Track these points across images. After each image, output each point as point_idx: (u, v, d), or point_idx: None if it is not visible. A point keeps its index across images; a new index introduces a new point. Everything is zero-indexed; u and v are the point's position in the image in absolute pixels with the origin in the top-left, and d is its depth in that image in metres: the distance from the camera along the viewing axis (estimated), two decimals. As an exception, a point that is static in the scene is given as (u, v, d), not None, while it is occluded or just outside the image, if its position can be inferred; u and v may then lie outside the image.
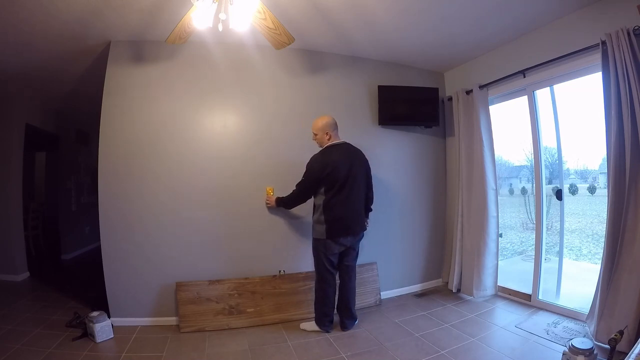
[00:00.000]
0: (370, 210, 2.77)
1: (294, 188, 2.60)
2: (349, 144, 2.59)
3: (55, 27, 2.48)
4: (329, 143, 2.54)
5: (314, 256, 2.58)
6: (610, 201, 2.20)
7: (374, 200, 2.76)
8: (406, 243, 3.41)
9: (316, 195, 2.53)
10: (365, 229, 2.69)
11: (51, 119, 4.73)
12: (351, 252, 2.61)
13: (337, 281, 2.64)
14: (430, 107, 3.40)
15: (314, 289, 2.63)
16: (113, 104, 2.72)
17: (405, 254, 3.41)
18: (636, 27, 2.03)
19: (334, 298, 2.61)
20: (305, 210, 2.87)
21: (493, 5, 2.38)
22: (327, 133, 2.53)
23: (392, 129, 3.38)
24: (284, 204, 2.74)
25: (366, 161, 2.65)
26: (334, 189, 2.44)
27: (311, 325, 2.59)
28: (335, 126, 2.56)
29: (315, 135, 2.58)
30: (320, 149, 2.58)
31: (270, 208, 2.91)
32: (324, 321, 2.55)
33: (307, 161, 2.52)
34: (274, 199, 2.81)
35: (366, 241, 2.91)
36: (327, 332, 2.55)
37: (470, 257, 3.16)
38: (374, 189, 2.75)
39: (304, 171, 2.53)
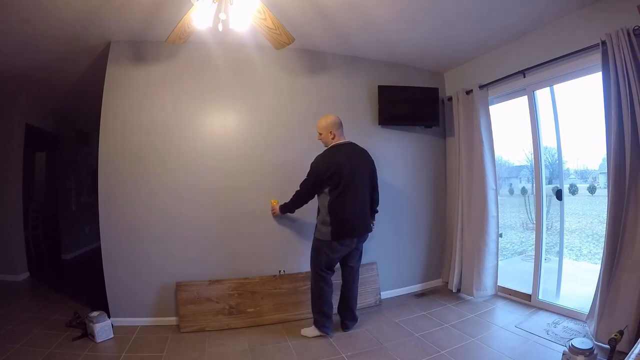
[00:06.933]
0: (376, 211, 2.74)
1: (297, 188, 2.58)
2: (354, 143, 2.56)
3: (55, 27, 2.48)
4: (334, 142, 2.50)
5: (313, 255, 2.53)
6: (610, 201, 2.20)
7: (379, 201, 2.73)
8: (406, 243, 3.41)
9: (320, 195, 2.50)
10: (371, 231, 2.65)
11: (51, 119, 4.73)
12: (355, 252, 2.59)
13: (335, 282, 2.60)
14: (430, 107, 3.40)
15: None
16: (113, 104, 2.72)
17: (405, 254, 3.41)
18: (636, 27, 2.03)
19: (332, 297, 2.56)
20: (305, 210, 2.86)
21: (493, 5, 2.38)
22: (331, 132, 2.49)
23: (392, 129, 3.38)
24: (288, 208, 2.72)
25: (372, 161, 2.60)
26: (339, 189, 2.39)
27: (312, 331, 2.51)
28: (340, 125, 2.52)
29: (320, 134, 2.55)
30: (325, 148, 2.54)
31: (276, 216, 2.91)
32: (324, 322, 2.49)
33: (309, 161, 2.49)
34: (278, 207, 2.79)
35: (366, 241, 2.90)
36: (329, 334, 2.49)
37: (470, 257, 3.15)
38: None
39: (308, 170, 2.49)
